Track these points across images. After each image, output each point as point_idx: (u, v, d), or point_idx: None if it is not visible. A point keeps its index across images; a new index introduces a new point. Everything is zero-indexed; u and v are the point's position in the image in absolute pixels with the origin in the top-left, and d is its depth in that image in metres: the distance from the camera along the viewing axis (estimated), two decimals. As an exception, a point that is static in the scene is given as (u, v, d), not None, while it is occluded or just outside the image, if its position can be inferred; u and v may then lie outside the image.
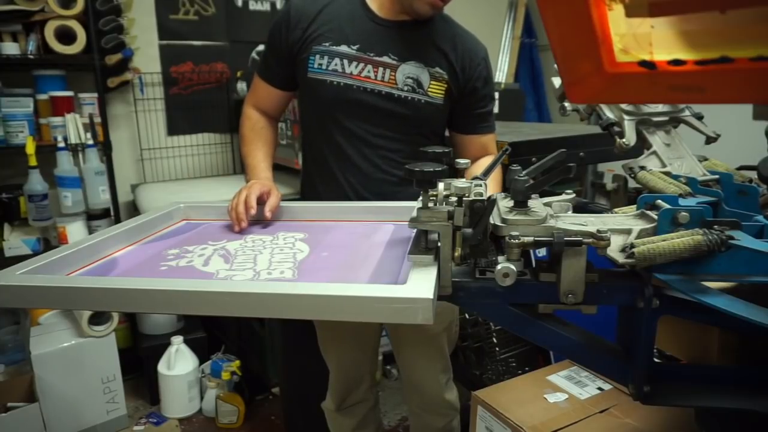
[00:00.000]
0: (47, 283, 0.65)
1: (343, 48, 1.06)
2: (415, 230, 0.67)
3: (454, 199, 0.63)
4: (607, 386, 0.91)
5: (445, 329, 1.20)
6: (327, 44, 1.06)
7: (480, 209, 0.59)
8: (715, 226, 0.55)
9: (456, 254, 0.61)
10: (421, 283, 0.57)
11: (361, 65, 1.06)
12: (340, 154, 1.10)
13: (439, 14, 1.08)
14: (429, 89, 1.08)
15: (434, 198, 0.63)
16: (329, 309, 0.56)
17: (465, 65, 1.11)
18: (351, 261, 0.74)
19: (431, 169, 0.61)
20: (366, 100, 1.06)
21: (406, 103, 1.07)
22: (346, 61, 1.06)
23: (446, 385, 1.24)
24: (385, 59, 1.06)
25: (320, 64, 1.06)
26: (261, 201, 0.96)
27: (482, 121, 1.17)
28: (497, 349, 1.89)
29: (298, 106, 1.28)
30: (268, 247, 0.82)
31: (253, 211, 0.92)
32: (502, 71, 3.01)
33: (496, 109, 1.26)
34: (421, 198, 0.63)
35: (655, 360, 0.66)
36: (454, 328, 1.25)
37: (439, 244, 0.61)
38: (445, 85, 1.09)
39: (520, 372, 1.76)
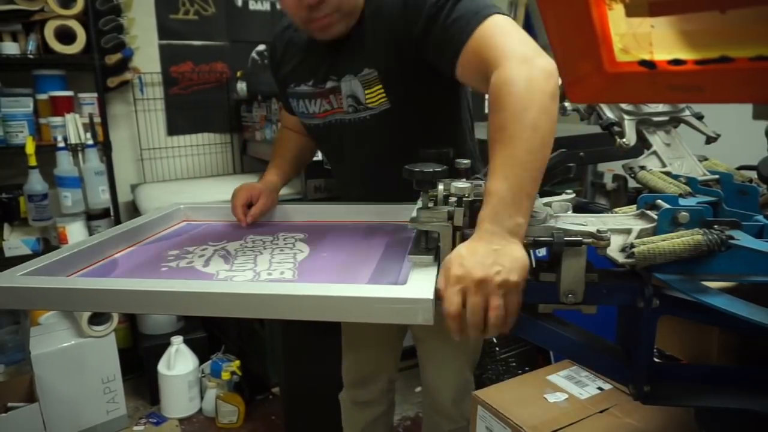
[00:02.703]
0: (48, 285, 0.65)
1: (303, 87, 1.01)
2: (415, 230, 0.67)
3: (454, 199, 0.63)
4: (607, 386, 0.91)
5: (466, 348, 1.16)
6: (293, 86, 1.03)
7: (479, 209, 0.58)
8: (715, 226, 0.56)
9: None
10: (421, 284, 0.57)
11: (318, 101, 0.99)
12: (342, 175, 1.12)
13: (339, 29, 0.88)
14: (368, 101, 0.91)
15: (434, 198, 0.63)
16: (329, 310, 0.56)
17: (395, 26, 0.84)
18: (351, 261, 0.75)
19: (431, 170, 0.61)
20: (332, 134, 1.01)
21: (356, 124, 0.95)
22: (307, 102, 1.01)
23: (460, 397, 1.18)
24: (329, 84, 0.95)
25: (296, 108, 1.05)
26: (251, 205, 1.00)
27: (453, 34, 0.76)
28: (497, 348, 1.89)
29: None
30: (268, 248, 0.82)
31: (249, 220, 0.97)
32: (502, 71, 3.01)
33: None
34: (421, 198, 0.63)
35: (655, 360, 0.66)
36: (476, 343, 1.18)
37: (439, 244, 0.61)
38: (380, 85, 0.89)
39: (520, 372, 1.76)
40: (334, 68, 0.94)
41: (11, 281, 0.66)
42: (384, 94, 0.89)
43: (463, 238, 0.61)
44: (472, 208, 0.59)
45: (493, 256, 0.55)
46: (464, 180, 0.66)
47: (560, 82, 0.62)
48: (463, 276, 0.54)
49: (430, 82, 0.87)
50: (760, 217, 0.62)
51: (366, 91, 0.90)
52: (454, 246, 0.60)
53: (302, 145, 1.20)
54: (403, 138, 0.92)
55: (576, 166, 0.71)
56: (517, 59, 0.65)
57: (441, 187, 0.62)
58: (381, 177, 0.96)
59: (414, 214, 0.63)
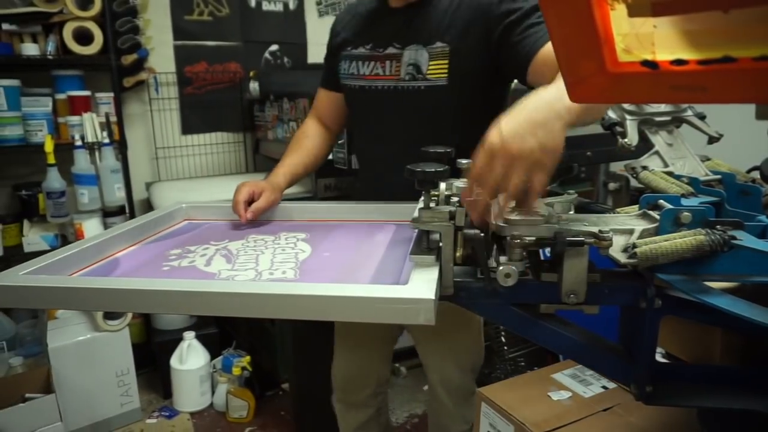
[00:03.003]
0: (50, 284, 0.65)
1: (360, 50, 1.05)
2: (416, 230, 0.68)
3: (455, 199, 0.63)
4: (611, 385, 0.91)
5: (472, 343, 1.16)
6: (349, 48, 1.07)
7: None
8: (718, 226, 0.55)
9: (457, 254, 0.61)
10: (422, 284, 0.56)
11: (371, 63, 1.03)
12: (370, 155, 1.11)
13: None
14: (428, 72, 0.96)
15: (436, 198, 0.63)
16: (331, 309, 0.56)
17: (477, 11, 0.92)
18: (353, 261, 0.74)
19: (432, 170, 0.61)
20: (376, 99, 1.03)
21: (407, 93, 0.99)
22: (360, 63, 1.05)
23: (461, 401, 1.20)
24: (390, 50, 1.00)
25: (344, 69, 1.08)
26: (252, 201, 0.99)
27: (536, 31, 0.86)
28: (506, 348, 1.89)
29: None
30: (270, 247, 0.82)
31: (249, 215, 0.95)
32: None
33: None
34: (422, 198, 0.63)
35: (658, 360, 0.66)
36: (480, 343, 1.19)
37: (440, 244, 0.62)
38: (447, 60, 0.94)
39: (528, 371, 1.76)
40: (400, 36, 0.99)
41: (13, 280, 0.66)
42: (447, 70, 0.94)
43: (464, 238, 0.61)
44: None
45: (533, 127, 0.54)
46: (466, 180, 0.66)
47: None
48: (497, 142, 0.53)
49: (488, 74, 0.94)
50: (763, 218, 0.61)
51: (431, 63, 0.95)
52: (455, 246, 0.61)
53: (319, 145, 1.19)
54: (443, 116, 0.98)
55: (581, 166, 0.71)
56: None
57: (443, 186, 0.62)
58: (404, 153, 0.96)
59: (415, 214, 0.63)
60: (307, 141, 1.18)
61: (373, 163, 1.12)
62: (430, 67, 0.95)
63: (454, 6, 0.96)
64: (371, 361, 1.26)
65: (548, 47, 0.83)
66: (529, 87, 0.86)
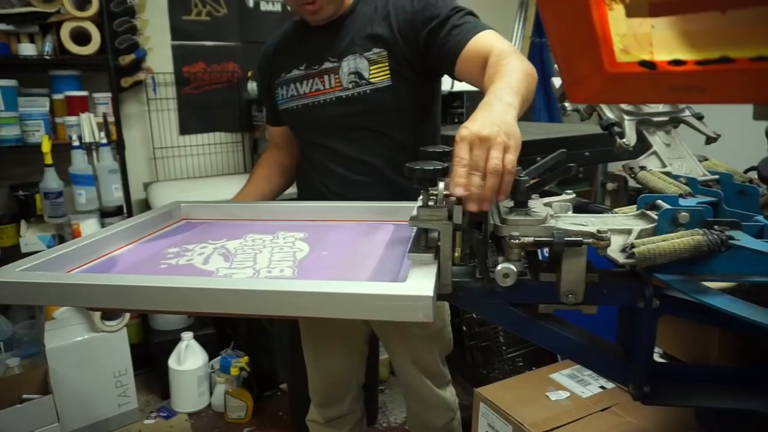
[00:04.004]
0: (47, 280, 0.64)
1: (294, 72, 1.09)
2: (415, 229, 0.68)
3: (454, 198, 0.63)
4: (609, 385, 0.91)
5: (435, 336, 1.17)
6: (283, 74, 1.11)
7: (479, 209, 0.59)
8: (716, 227, 0.55)
9: (456, 254, 0.61)
10: (421, 281, 0.56)
11: (309, 81, 1.07)
12: (321, 171, 1.12)
13: (328, 12, 1.02)
14: (371, 76, 1.03)
15: (434, 197, 0.63)
16: (329, 306, 0.56)
17: (403, 18, 1.01)
18: (351, 260, 0.74)
19: (432, 168, 0.61)
20: (322, 113, 1.06)
21: (354, 100, 1.04)
22: (297, 84, 1.08)
23: (442, 389, 1.22)
24: (327, 65, 1.05)
25: (282, 95, 1.11)
26: None
27: (458, 32, 0.97)
28: (504, 348, 1.89)
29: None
30: (268, 246, 0.81)
31: None
32: (513, 71, 2.99)
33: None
34: (421, 196, 0.63)
35: (656, 360, 0.66)
36: (446, 335, 1.21)
37: (439, 242, 0.62)
38: (387, 62, 1.02)
39: (526, 372, 1.76)
40: (332, 50, 1.05)
41: (10, 276, 0.65)
42: (388, 72, 1.02)
43: (463, 237, 0.61)
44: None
45: (494, 120, 0.66)
46: (454, 175, 0.65)
47: (560, 82, 0.66)
48: (469, 134, 0.63)
49: (421, 71, 1.04)
50: (761, 218, 0.61)
51: (371, 68, 1.02)
52: (454, 244, 0.61)
53: (274, 173, 1.21)
54: (387, 115, 1.05)
55: (578, 166, 0.71)
56: (511, 49, 0.90)
57: (441, 185, 0.62)
58: (352, 164, 1.07)
59: (414, 212, 0.63)
60: (260, 170, 1.22)
61: (321, 174, 1.13)
62: (372, 72, 1.03)
63: (379, 15, 1.04)
64: (352, 365, 1.25)
65: (471, 44, 0.94)
66: (457, 79, 1.00)
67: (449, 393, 1.25)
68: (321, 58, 1.06)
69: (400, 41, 1.01)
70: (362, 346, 1.26)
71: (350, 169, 1.08)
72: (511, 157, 0.63)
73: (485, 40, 0.93)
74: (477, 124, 0.64)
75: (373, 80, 1.03)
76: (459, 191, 0.60)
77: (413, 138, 1.07)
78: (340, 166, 1.08)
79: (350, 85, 1.03)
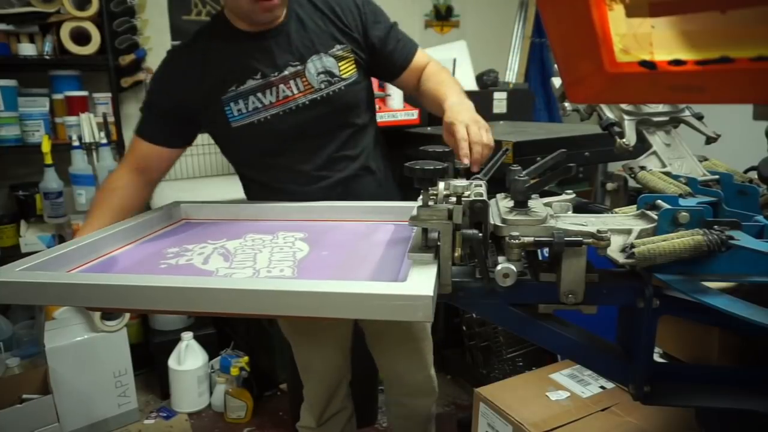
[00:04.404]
0: (46, 280, 0.64)
1: (250, 83, 1.01)
2: (415, 229, 0.68)
3: (453, 198, 0.63)
4: (609, 385, 0.91)
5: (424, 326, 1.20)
6: (234, 87, 1.01)
7: (480, 209, 0.59)
8: (716, 227, 0.55)
9: (456, 254, 0.61)
10: (421, 281, 0.57)
11: (274, 89, 1.01)
12: (288, 175, 1.07)
13: (280, 12, 1.00)
14: (342, 72, 1.04)
15: (434, 197, 0.63)
16: (329, 306, 0.56)
17: (350, 18, 1.06)
18: (351, 260, 0.74)
19: (432, 167, 0.61)
20: (293, 120, 1.02)
21: (327, 99, 1.03)
22: (260, 95, 1.01)
23: (429, 370, 1.24)
24: (290, 70, 1.01)
25: (240, 110, 1.02)
26: None
27: (402, 47, 1.11)
28: (504, 348, 1.89)
29: (223, 154, 1.17)
30: (267, 246, 0.81)
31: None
32: (513, 71, 2.99)
33: (504, 109, 1.27)
34: (421, 196, 0.63)
35: (656, 360, 0.66)
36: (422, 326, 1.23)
37: (439, 242, 0.62)
38: (353, 56, 1.06)
39: (526, 372, 1.76)
40: (289, 54, 1.02)
41: (9, 276, 0.65)
42: (354, 65, 1.07)
43: (463, 237, 0.61)
44: (472, 208, 0.60)
45: (472, 114, 0.96)
46: (463, 179, 0.66)
47: (560, 82, 0.68)
48: (465, 119, 0.93)
49: (369, 65, 1.12)
50: (761, 218, 0.61)
51: (340, 64, 1.05)
52: (454, 244, 0.61)
53: (131, 195, 1.06)
54: (358, 107, 1.10)
55: (578, 166, 0.71)
56: (437, 62, 1.16)
57: (441, 185, 0.62)
58: (328, 159, 1.07)
59: (414, 212, 0.63)
60: (118, 198, 1.04)
61: (292, 180, 1.08)
62: (342, 68, 1.05)
63: (327, 17, 1.06)
64: (341, 360, 1.26)
65: (415, 59, 1.12)
66: (392, 84, 1.18)
67: (433, 375, 1.26)
68: (279, 64, 1.01)
69: (355, 35, 1.06)
70: (349, 341, 1.27)
71: (331, 168, 1.06)
72: (489, 136, 0.93)
73: (421, 56, 1.13)
74: (465, 115, 0.94)
75: (344, 75, 1.05)
76: (467, 161, 0.86)
77: (374, 122, 1.17)
78: (315, 168, 1.05)
79: (322, 85, 1.02)
